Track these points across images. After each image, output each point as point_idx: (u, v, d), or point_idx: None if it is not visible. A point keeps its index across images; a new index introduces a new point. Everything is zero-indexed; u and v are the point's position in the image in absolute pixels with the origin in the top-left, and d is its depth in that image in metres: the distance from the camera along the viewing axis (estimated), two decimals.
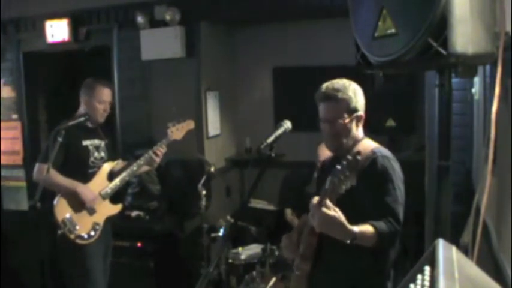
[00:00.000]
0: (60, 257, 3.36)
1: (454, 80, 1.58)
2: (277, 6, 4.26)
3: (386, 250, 2.09)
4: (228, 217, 3.63)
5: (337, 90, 2.10)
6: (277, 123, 2.36)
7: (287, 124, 2.33)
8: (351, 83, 2.16)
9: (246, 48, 5.24)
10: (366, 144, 2.16)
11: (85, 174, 3.26)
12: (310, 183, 3.46)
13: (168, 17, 4.31)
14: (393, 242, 2.04)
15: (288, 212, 4.22)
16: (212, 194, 4.23)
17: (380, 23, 1.55)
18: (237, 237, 3.93)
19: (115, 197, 3.38)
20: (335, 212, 1.86)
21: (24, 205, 4.95)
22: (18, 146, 5.07)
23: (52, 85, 5.21)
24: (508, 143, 1.52)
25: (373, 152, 2.09)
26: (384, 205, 1.98)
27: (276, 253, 3.31)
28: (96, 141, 3.37)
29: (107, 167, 3.37)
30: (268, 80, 5.20)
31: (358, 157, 1.84)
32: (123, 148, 4.62)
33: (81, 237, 3.17)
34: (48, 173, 2.97)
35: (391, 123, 4.31)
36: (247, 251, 3.68)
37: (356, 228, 1.88)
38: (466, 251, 1.57)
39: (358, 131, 2.18)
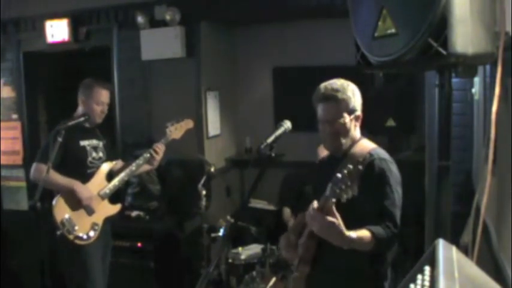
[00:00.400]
0: (60, 257, 3.36)
1: (454, 80, 1.58)
2: (277, 6, 4.26)
3: (383, 252, 2.09)
4: (228, 217, 3.62)
5: (337, 90, 2.09)
6: (277, 123, 2.35)
7: (287, 124, 2.33)
8: (349, 83, 2.15)
9: (246, 48, 5.24)
10: (363, 145, 2.16)
11: (83, 175, 3.25)
12: (310, 183, 3.46)
13: (168, 17, 4.31)
14: (390, 246, 2.04)
15: (287, 211, 4.20)
16: (212, 194, 4.22)
17: (380, 23, 1.55)
18: (237, 237, 3.93)
19: (114, 197, 3.39)
20: (335, 219, 1.86)
21: (24, 205, 4.95)
22: (18, 146, 5.07)
23: (52, 85, 5.21)
24: (508, 143, 1.52)
25: (371, 154, 2.07)
26: (381, 208, 1.98)
27: (276, 253, 3.31)
28: (94, 142, 3.37)
29: (105, 167, 3.36)
30: (268, 80, 5.20)
31: (360, 167, 1.83)
32: (123, 148, 4.62)
33: (80, 238, 3.16)
34: (48, 173, 2.96)
35: (391, 123, 4.31)
36: (247, 251, 3.68)
37: (354, 234, 1.88)
38: (466, 251, 1.57)
39: (356, 131, 2.18)
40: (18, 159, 5.07)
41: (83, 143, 3.30)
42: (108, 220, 3.35)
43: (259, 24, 5.04)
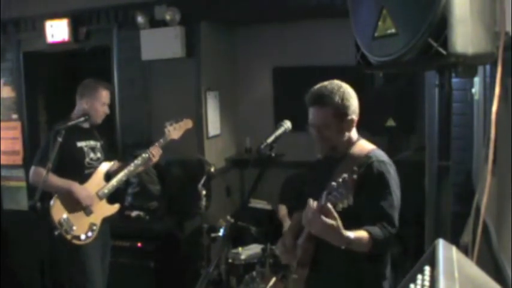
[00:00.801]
0: (59, 257, 3.36)
1: (454, 80, 1.58)
2: (277, 6, 4.26)
3: (382, 253, 2.09)
4: (228, 217, 3.62)
5: (325, 95, 2.04)
6: (277, 123, 2.35)
7: (287, 124, 2.33)
8: (341, 86, 2.09)
9: (246, 48, 5.24)
10: (361, 146, 2.14)
11: (81, 175, 3.25)
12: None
13: (168, 17, 4.31)
14: (388, 247, 2.03)
15: (282, 208, 4.16)
16: (212, 194, 4.23)
17: (380, 23, 1.55)
18: (237, 237, 3.93)
19: (112, 197, 3.39)
20: (334, 220, 1.84)
21: (24, 205, 4.95)
22: (18, 146, 5.07)
23: (52, 85, 5.21)
24: (508, 143, 1.52)
25: (369, 157, 2.06)
26: (379, 210, 1.97)
27: (276, 253, 3.31)
28: (92, 142, 3.37)
29: (103, 167, 3.37)
30: (268, 80, 5.20)
31: (355, 176, 1.81)
32: (122, 148, 4.62)
33: (78, 238, 3.16)
34: (48, 175, 2.96)
35: (391, 123, 4.31)
36: (247, 251, 3.68)
37: (352, 235, 1.87)
38: (466, 251, 1.57)
39: (351, 133, 2.14)
40: (18, 159, 5.07)
41: (80, 144, 3.30)
42: (107, 220, 3.35)
43: (259, 24, 5.04)
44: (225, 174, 4.93)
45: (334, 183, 1.85)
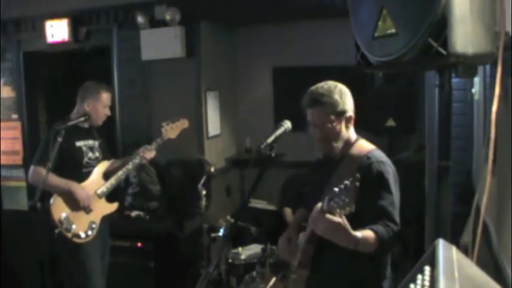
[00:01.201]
0: (59, 256, 3.37)
1: (454, 80, 1.58)
2: (277, 6, 4.26)
3: (384, 254, 2.09)
4: (228, 217, 3.62)
5: (322, 94, 2.08)
6: (277, 123, 2.35)
7: (287, 124, 2.33)
8: (337, 84, 2.14)
9: (246, 48, 5.24)
10: (361, 147, 2.15)
11: (80, 175, 3.27)
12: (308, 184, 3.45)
13: (168, 17, 4.31)
14: (392, 246, 2.03)
15: (288, 211, 4.19)
16: (212, 194, 4.23)
17: (380, 23, 1.55)
18: (237, 237, 3.93)
19: (111, 196, 3.40)
20: (340, 218, 1.83)
21: (24, 205, 4.95)
22: (18, 146, 5.07)
23: (52, 85, 5.21)
24: (508, 143, 1.52)
25: (368, 157, 2.07)
26: (380, 209, 1.97)
27: (276, 253, 3.31)
28: (90, 142, 3.40)
29: (101, 166, 3.40)
30: (268, 80, 5.20)
31: (357, 183, 1.80)
32: (122, 148, 4.62)
33: (78, 236, 3.18)
34: (48, 175, 2.97)
35: (391, 123, 4.30)
36: (247, 251, 3.68)
37: (359, 234, 1.86)
38: (466, 251, 1.57)
39: (349, 132, 2.16)
40: (18, 159, 5.07)
41: (79, 143, 3.32)
42: (106, 219, 3.38)
43: (259, 24, 5.05)
44: (225, 174, 4.93)
45: (336, 189, 1.84)
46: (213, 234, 3.71)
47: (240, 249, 3.70)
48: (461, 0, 1.33)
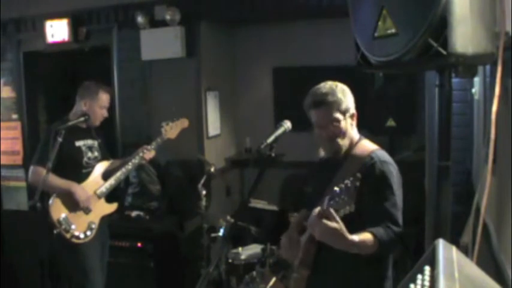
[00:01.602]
0: (58, 256, 3.37)
1: (454, 80, 1.58)
2: (277, 6, 4.26)
3: (385, 255, 2.09)
4: (228, 217, 3.62)
5: (326, 94, 2.07)
6: (277, 123, 2.35)
7: (287, 124, 2.33)
8: (337, 84, 2.14)
9: (246, 48, 5.24)
10: (364, 146, 2.14)
11: (79, 175, 3.26)
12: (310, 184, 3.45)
13: (168, 17, 4.31)
14: (394, 247, 2.02)
15: (294, 215, 4.19)
16: (212, 194, 4.22)
17: (380, 23, 1.55)
18: (237, 237, 3.93)
19: (111, 196, 3.40)
20: (337, 224, 1.83)
21: (24, 205, 4.95)
22: (18, 146, 5.07)
23: (52, 85, 5.21)
24: (508, 143, 1.52)
25: (371, 157, 2.06)
26: (382, 210, 1.97)
27: (276, 253, 3.31)
28: (89, 142, 3.39)
29: (101, 166, 3.38)
30: (268, 80, 5.20)
31: (358, 183, 1.80)
32: (123, 148, 4.62)
33: (77, 237, 3.17)
34: (48, 175, 2.96)
35: (391, 123, 4.30)
36: (247, 251, 3.67)
37: (356, 238, 1.86)
38: (466, 251, 1.58)
39: (353, 130, 2.16)
40: (18, 159, 5.07)
41: (78, 143, 3.31)
42: (105, 219, 3.37)
43: (259, 24, 5.05)
44: (225, 174, 4.92)
45: (336, 189, 1.84)
46: (213, 234, 3.71)
47: (240, 249, 3.69)
48: (461, 0, 1.33)
